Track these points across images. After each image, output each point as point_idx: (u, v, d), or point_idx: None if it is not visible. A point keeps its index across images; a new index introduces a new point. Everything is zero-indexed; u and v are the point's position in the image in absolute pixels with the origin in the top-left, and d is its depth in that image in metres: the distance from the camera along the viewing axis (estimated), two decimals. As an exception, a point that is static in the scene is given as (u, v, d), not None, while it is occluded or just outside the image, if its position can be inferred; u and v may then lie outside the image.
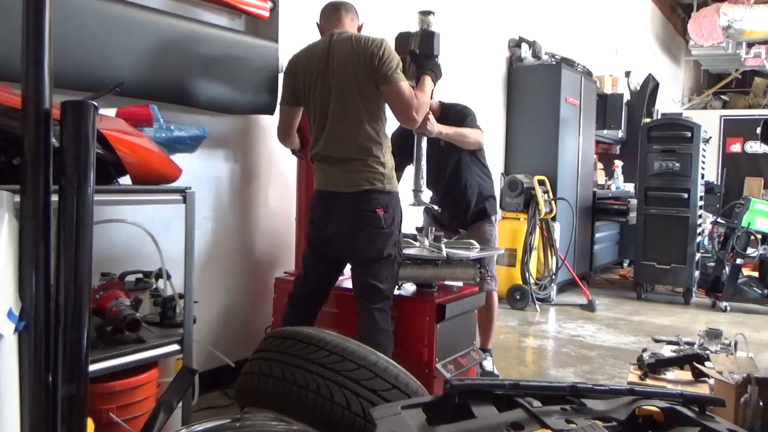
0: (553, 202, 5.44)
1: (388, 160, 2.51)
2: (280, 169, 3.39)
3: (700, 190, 5.80)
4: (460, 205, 3.30)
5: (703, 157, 5.97)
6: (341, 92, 2.44)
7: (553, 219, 5.51)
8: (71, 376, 1.08)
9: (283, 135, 2.75)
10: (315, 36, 2.95)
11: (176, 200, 2.13)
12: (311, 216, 2.60)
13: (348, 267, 2.64)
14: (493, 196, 3.46)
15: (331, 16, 2.63)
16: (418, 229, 3.00)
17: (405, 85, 2.44)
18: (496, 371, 3.41)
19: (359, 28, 2.68)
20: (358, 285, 2.52)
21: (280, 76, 3.07)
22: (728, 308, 5.40)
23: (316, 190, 2.58)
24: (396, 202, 2.52)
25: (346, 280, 2.78)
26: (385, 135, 2.52)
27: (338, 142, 2.46)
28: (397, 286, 2.65)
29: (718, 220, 5.93)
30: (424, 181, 2.78)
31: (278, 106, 2.84)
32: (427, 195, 2.97)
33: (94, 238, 1.12)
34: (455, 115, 3.15)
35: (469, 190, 3.28)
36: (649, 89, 7.92)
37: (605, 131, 7.23)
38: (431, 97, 2.69)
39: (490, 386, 1.23)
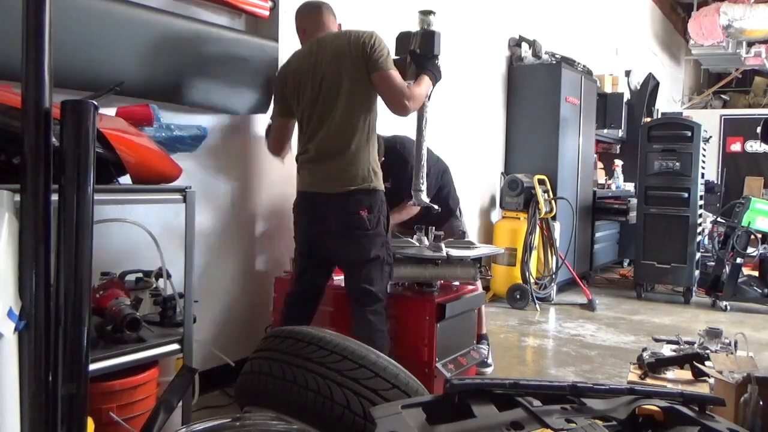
0: (553, 201, 5.44)
1: (376, 156, 2.51)
2: (281, 169, 3.39)
3: (701, 190, 5.79)
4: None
5: (703, 156, 5.96)
6: (331, 86, 2.42)
7: (553, 218, 5.51)
8: (71, 376, 1.08)
9: (276, 148, 2.76)
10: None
11: (176, 199, 2.13)
12: (296, 218, 2.59)
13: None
14: (452, 190, 3.51)
15: (313, 15, 2.60)
16: (418, 228, 2.99)
17: (395, 73, 2.43)
18: (490, 360, 3.41)
19: (339, 28, 2.67)
20: (350, 289, 2.51)
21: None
22: (728, 307, 5.40)
23: (300, 191, 2.55)
24: (381, 201, 2.49)
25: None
26: (374, 129, 2.51)
27: (327, 136, 2.45)
28: (398, 285, 2.65)
29: (718, 219, 5.93)
30: (423, 181, 2.77)
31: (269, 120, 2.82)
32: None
33: (94, 238, 1.12)
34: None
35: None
36: (649, 88, 7.92)
37: (605, 130, 7.22)
38: (427, 98, 2.69)
39: (490, 385, 1.23)
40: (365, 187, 2.42)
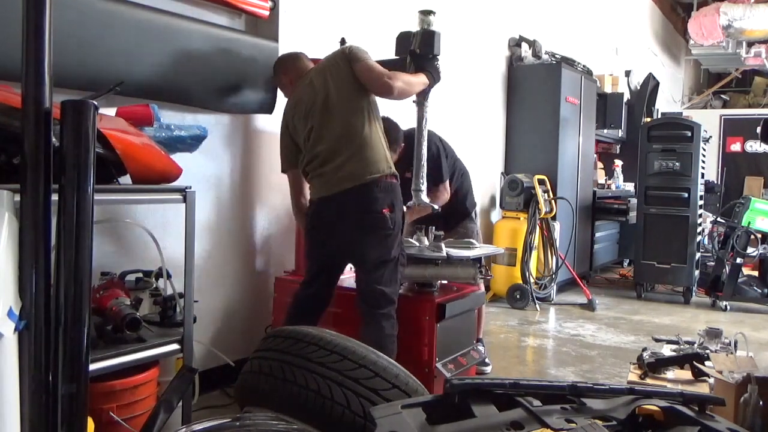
0: (553, 201, 5.44)
1: (384, 141, 2.55)
2: (280, 169, 3.39)
3: (700, 190, 5.80)
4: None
5: (703, 156, 5.96)
6: (325, 95, 2.49)
7: (553, 218, 5.51)
8: (71, 376, 1.08)
9: (296, 198, 2.73)
10: (314, 35, 2.95)
11: (176, 200, 2.13)
12: (314, 224, 2.56)
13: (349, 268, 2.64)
14: (470, 193, 3.60)
15: (296, 63, 2.72)
16: (418, 228, 2.99)
17: (373, 62, 2.52)
18: (487, 359, 3.45)
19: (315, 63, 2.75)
20: (363, 290, 2.49)
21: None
22: (728, 307, 5.40)
23: (316, 199, 2.53)
24: (399, 195, 2.52)
25: (346, 279, 2.77)
26: (379, 118, 2.57)
27: (335, 132, 2.46)
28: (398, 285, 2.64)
29: (718, 219, 5.93)
30: (423, 181, 2.77)
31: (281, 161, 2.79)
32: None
33: (94, 238, 1.12)
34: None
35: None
36: (649, 88, 7.92)
37: (605, 130, 7.22)
38: (426, 99, 2.70)
39: (491, 385, 1.23)
40: (386, 172, 2.45)
